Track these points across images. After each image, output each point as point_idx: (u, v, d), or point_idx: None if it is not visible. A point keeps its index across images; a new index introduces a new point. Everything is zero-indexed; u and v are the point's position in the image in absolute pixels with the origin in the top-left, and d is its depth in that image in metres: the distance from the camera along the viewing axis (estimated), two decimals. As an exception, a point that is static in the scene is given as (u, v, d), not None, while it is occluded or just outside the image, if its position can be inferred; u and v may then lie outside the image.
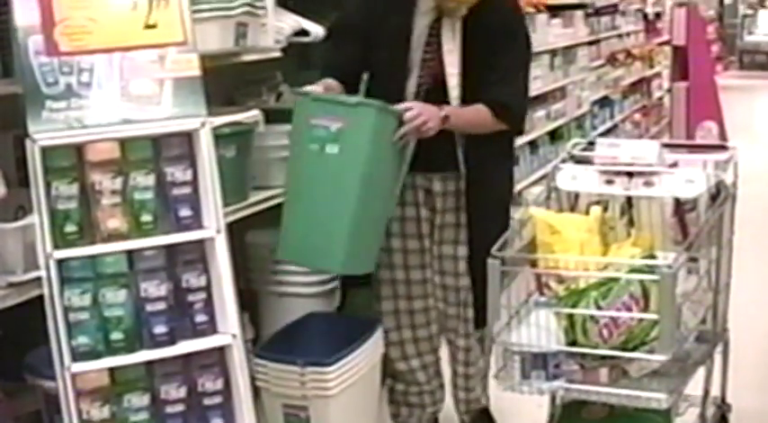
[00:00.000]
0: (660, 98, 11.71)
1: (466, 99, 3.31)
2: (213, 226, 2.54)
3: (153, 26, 2.49)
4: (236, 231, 3.26)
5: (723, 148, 3.50)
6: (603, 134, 8.61)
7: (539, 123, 6.68)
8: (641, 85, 10.91)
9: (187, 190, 2.54)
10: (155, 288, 2.54)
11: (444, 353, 3.69)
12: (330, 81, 3.19)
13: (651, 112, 11.20)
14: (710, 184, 3.19)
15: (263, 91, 3.99)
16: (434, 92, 3.29)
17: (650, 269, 2.72)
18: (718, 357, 3.25)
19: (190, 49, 2.54)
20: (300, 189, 3.06)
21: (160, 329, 2.57)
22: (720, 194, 3.20)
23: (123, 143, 2.51)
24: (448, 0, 3.24)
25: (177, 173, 2.54)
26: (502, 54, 3.34)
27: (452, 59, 3.30)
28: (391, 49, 3.28)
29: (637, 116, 10.50)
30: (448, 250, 3.46)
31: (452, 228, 3.45)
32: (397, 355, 3.58)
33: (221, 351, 2.67)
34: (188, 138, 2.54)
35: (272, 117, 3.53)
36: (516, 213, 3.45)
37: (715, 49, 17.31)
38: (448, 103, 3.28)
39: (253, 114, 3.31)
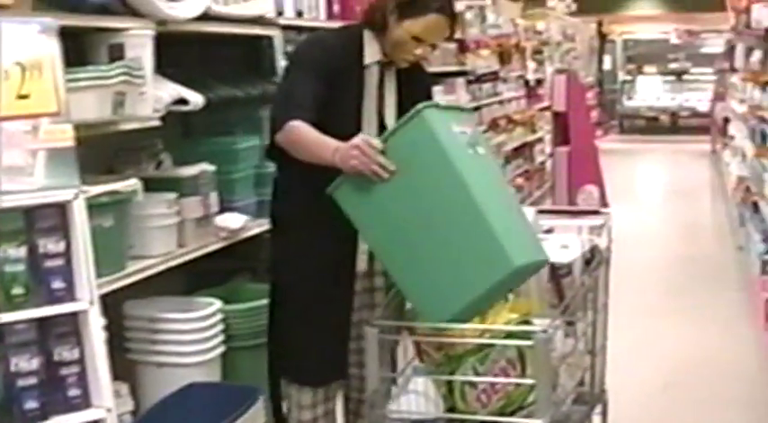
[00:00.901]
0: (542, 163, 11.96)
1: None
2: (86, 298, 2.51)
3: (25, 96, 2.46)
4: (113, 301, 3.22)
5: (598, 213, 3.60)
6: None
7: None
8: (524, 150, 11.13)
9: (60, 261, 2.50)
10: (26, 362, 2.48)
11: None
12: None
13: (534, 176, 11.43)
14: (585, 248, 3.28)
15: (142, 159, 3.96)
16: None
17: (526, 334, 2.77)
18: (596, 419, 3.31)
19: (63, 120, 2.52)
20: (474, 198, 2.76)
21: (31, 405, 2.51)
22: (595, 259, 3.29)
23: (-6, 215, 2.47)
24: (402, 60, 3.32)
25: (50, 244, 2.50)
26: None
27: (390, 112, 3.37)
28: (347, 100, 3.28)
29: (520, 180, 10.70)
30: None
31: (368, 292, 3.46)
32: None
33: (96, 425, 2.61)
34: (61, 209, 2.51)
35: (152, 185, 3.51)
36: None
37: (595, 114, 17.78)
38: None
39: (131, 183, 3.28)
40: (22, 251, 2.48)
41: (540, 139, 11.87)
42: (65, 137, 2.50)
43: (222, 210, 3.98)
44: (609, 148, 17.86)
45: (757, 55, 8.46)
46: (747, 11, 7.69)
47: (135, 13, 3.42)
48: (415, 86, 3.43)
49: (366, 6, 3.46)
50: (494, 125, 9.62)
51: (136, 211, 3.42)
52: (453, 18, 3.32)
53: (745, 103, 9.53)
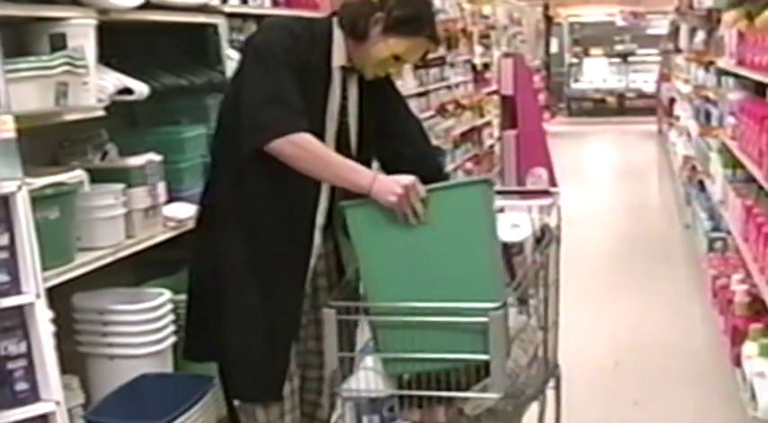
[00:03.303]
0: (491, 146, 12.01)
1: (361, 151, 3.31)
2: (32, 291, 2.48)
3: (-37, 86, 2.44)
4: (61, 294, 3.19)
5: (547, 193, 3.62)
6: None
7: (371, 173, 6.76)
8: (472, 135, 11.17)
9: (4, 255, 2.47)
10: (-30, 357, 2.45)
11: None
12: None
13: (483, 160, 11.48)
14: (535, 227, 3.31)
15: (87, 150, 3.91)
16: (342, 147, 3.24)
17: (481, 311, 2.78)
18: (550, 393, 3.35)
19: (4, 111, 2.48)
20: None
21: (-22, 399, 2.48)
22: (545, 237, 3.32)
23: (-67, 208, 2.43)
24: (372, 73, 3.23)
25: (-8, 237, 2.47)
26: (403, 102, 3.47)
27: (353, 112, 3.29)
28: (312, 99, 3.12)
29: (469, 165, 10.74)
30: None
31: (326, 290, 3.40)
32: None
33: (44, 418, 2.58)
34: (4, 201, 2.48)
35: (98, 176, 3.48)
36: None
37: (542, 97, 17.88)
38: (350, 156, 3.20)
39: (76, 174, 3.25)
40: (-37, 243, 2.45)
41: (488, 123, 11.92)
42: (6, 128, 2.47)
43: (170, 200, 3.95)
44: (557, 130, 18.00)
45: (701, 35, 8.55)
46: (691, -9, 7.77)
47: (76, 2, 3.37)
48: (378, 93, 3.33)
49: (345, 8, 3.23)
50: (442, 110, 9.65)
51: (82, 203, 3.37)
52: (436, 44, 3.29)
53: (690, 84, 9.63)
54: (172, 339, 3.70)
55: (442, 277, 2.85)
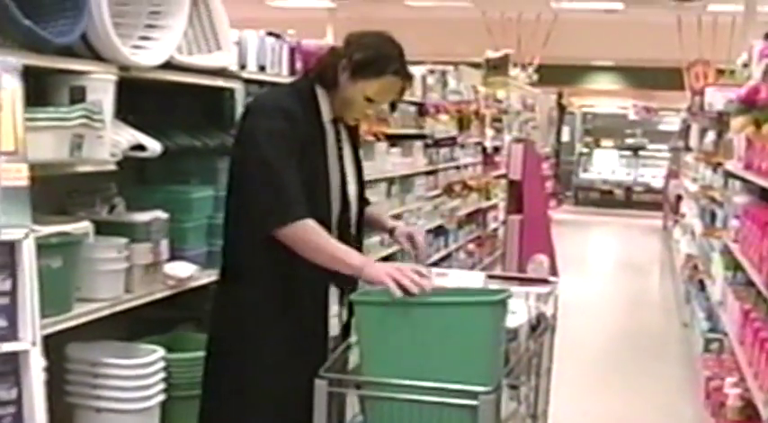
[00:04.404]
0: (495, 229, 12.05)
1: (360, 211, 3.46)
2: (29, 338, 2.49)
3: (-18, 133, 2.48)
4: (56, 343, 3.20)
5: (546, 281, 3.65)
6: (437, 263, 8.80)
7: (373, 250, 6.79)
8: (477, 216, 11.22)
9: (5, 301, 2.49)
10: (-38, 399, 2.45)
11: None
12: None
13: (485, 242, 11.50)
14: (531, 315, 3.32)
15: (96, 202, 3.95)
16: (342, 201, 3.38)
17: (472, 394, 2.78)
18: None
19: (20, 159, 2.52)
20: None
21: (-36, 444, 2.48)
22: (541, 325, 3.33)
23: (-57, 250, 2.46)
24: (352, 118, 3.38)
25: (-4, 282, 2.50)
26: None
27: (349, 164, 3.42)
28: (315, 160, 3.28)
29: (471, 246, 10.76)
30: None
31: None
32: None
33: (29, 467, 2.58)
34: (9, 248, 2.51)
35: (103, 229, 3.51)
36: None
37: (550, 184, 17.98)
38: (348, 211, 3.38)
39: (82, 226, 3.27)
40: (-33, 288, 2.47)
41: (494, 206, 11.97)
42: (20, 176, 2.51)
43: (172, 257, 3.96)
44: (563, 218, 18.07)
45: (711, 136, 8.63)
46: (702, 93, 7.85)
47: (98, 57, 3.43)
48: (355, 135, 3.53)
49: (316, 62, 3.45)
50: (449, 190, 9.70)
51: (85, 254, 3.41)
52: (408, 79, 3.36)
53: (698, 183, 9.70)
54: (160, 397, 3.70)
55: (438, 361, 2.86)
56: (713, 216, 7.64)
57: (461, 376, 2.81)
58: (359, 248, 3.43)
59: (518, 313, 3.26)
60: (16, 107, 2.52)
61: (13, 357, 2.52)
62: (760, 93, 4.54)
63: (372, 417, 2.95)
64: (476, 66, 12.78)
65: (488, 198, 11.66)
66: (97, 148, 3.31)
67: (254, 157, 3.21)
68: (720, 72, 14.32)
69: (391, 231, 3.65)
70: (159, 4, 3.76)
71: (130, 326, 4.08)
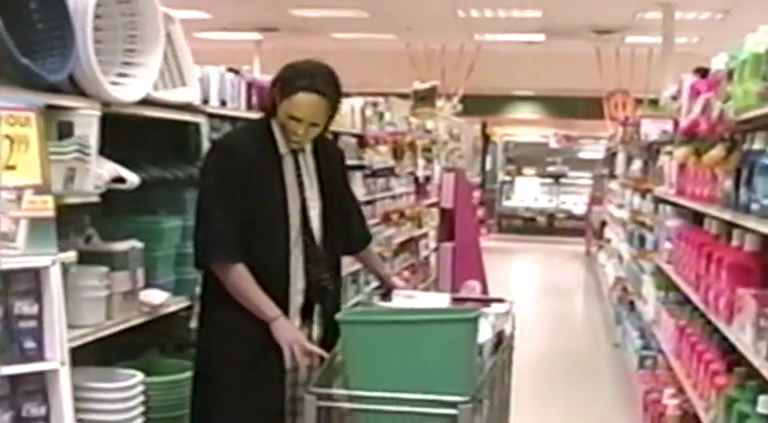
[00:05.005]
0: (426, 257, 12.25)
1: (326, 235, 3.69)
2: (57, 358, 2.66)
3: (12, 167, 2.65)
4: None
5: (502, 301, 3.88)
6: (376, 289, 8.95)
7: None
8: (410, 244, 11.40)
9: (33, 323, 2.65)
10: (-2, 416, 2.61)
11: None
12: None
13: (419, 269, 11.68)
14: (493, 333, 3.55)
15: (70, 233, 4.07)
16: (304, 232, 3.62)
17: (451, 404, 3.00)
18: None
19: (45, 191, 2.70)
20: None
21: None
22: (503, 342, 3.56)
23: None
24: (292, 142, 3.58)
25: (24, 306, 2.66)
26: (348, 185, 3.91)
27: (313, 194, 3.66)
28: (270, 190, 3.56)
29: (406, 273, 10.94)
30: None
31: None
32: None
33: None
34: (36, 274, 2.67)
35: (84, 258, 3.64)
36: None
37: (480, 212, 18.29)
38: (313, 240, 3.63)
39: (69, 255, 3.41)
40: (-1, 311, 2.63)
41: (425, 235, 12.17)
42: (46, 207, 2.68)
43: (145, 286, 4.12)
44: (488, 246, 18.30)
45: (638, 163, 8.98)
46: (635, 124, 8.21)
47: (82, 93, 3.58)
48: (332, 165, 3.78)
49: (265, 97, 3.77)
50: (386, 219, 9.89)
51: (70, 282, 3.53)
52: (323, 94, 3.55)
53: (625, 209, 10.04)
54: (140, 420, 3.83)
55: (420, 374, 3.09)
56: (642, 240, 7.96)
57: (441, 387, 3.02)
58: (336, 266, 3.74)
59: (482, 330, 3.48)
60: (42, 143, 2.68)
61: (41, 377, 2.68)
62: (700, 126, 4.87)
63: None
64: (403, 97, 13.00)
65: (420, 226, 11.87)
66: (85, 181, 3.47)
67: (201, 194, 3.62)
68: (639, 101, 14.82)
69: (383, 280, 4.09)
70: (134, 42, 3.93)
71: (102, 352, 4.19)
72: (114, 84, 3.79)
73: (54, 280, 2.67)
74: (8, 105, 2.68)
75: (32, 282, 2.67)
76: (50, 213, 2.70)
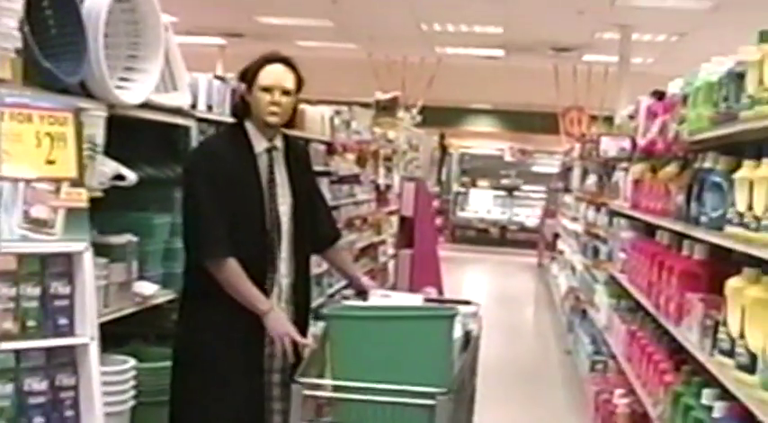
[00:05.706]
0: (385, 263, 12.52)
1: (296, 232, 3.99)
2: (88, 334, 2.94)
3: (52, 162, 2.93)
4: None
5: (469, 303, 4.16)
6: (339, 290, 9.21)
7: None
8: (369, 251, 11.66)
9: (65, 302, 2.94)
10: (37, 384, 2.90)
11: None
12: None
13: (378, 275, 11.92)
14: (462, 332, 3.82)
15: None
16: (275, 230, 3.92)
17: (430, 395, 3.26)
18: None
19: (80, 184, 2.98)
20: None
21: (39, 421, 2.92)
22: (470, 342, 3.83)
23: (20, 258, 2.89)
24: (271, 117, 3.88)
25: (59, 287, 2.95)
26: (316, 185, 4.23)
27: (284, 191, 3.98)
28: (247, 187, 3.87)
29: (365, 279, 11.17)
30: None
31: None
32: None
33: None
34: (68, 258, 2.95)
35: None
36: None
37: (438, 221, 18.55)
38: (279, 227, 3.94)
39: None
40: (37, 290, 2.92)
41: (383, 241, 12.44)
42: (80, 198, 2.96)
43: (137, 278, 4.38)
44: (442, 255, 18.50)
45: (593, 178, 9.34)
46: (594, 141, 8.56)
47: (89, 95, 3.82)
48: (301, 164, 4.12)
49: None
50: (349, 224, 10.15)
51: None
52: (285, 63, 3.95)
53: (579, 221, 10.39)
54: (132, 402, 4.09)
55: (402, 366, 3.36)
56: (596, 251, 8.31)
57: (421, 380, 3.30)
58: (303, 261, 4.06)
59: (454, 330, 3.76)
60: (77, 140, 2.97)
61: (72, 350, 2.96)
62: (657, 145, 5.25)
63: (342, 417, 3.42)
64: (365, 106, 13.19)
65: (379, 233, 12.13)
66: (92, 178, 3.73)
67: (186, 195, 3.92)
68: (594, 118, 15.23)
69: (352, 280, 4.37)
70: (137, 49, 4.20)
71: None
72: (118, 87, 4.06)
73: (86, 264, 2.95)
74: (48, 105, 2.95)
75: (66, 265, 2.95)
76: (84, 204, 2.99)
